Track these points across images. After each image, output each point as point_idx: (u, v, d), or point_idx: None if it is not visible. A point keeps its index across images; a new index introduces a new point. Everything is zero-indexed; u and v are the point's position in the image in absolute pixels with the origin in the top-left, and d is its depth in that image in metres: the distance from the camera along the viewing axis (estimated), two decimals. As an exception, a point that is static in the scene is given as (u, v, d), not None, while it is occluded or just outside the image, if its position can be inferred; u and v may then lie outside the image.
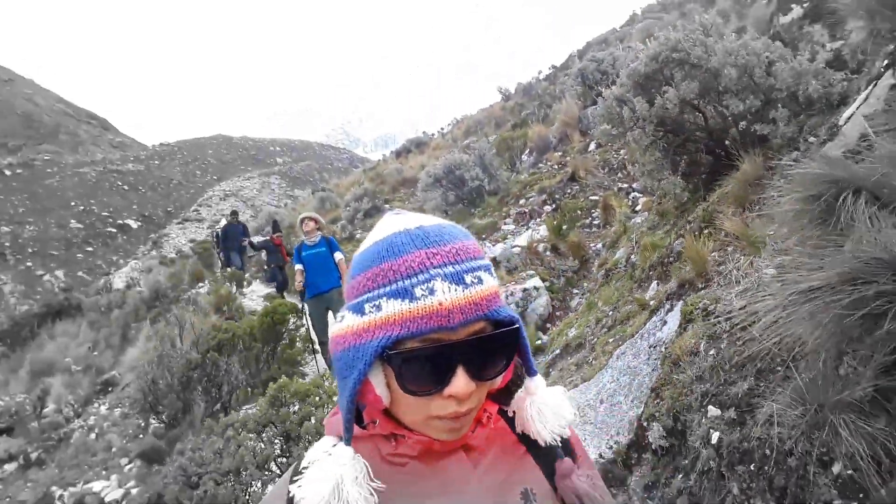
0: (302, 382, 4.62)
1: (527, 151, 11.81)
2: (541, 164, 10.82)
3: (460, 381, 0.82)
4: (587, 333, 5.35)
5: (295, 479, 0.88)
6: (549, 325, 7.04)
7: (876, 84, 3.76)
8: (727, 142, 4.85)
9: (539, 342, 6.55)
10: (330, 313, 7.75)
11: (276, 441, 4.44)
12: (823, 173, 3.26)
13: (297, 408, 4.59)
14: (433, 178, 10.50)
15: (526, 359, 0.96)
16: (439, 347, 0.81)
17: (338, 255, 7.88)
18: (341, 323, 0.89)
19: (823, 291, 2.55)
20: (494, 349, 0.87)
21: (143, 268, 22.40)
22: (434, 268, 0.82)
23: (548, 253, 8.05)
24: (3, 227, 42.37)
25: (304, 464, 0.90)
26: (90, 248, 42.73)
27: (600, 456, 3.78)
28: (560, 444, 1.00)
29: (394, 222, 0.90)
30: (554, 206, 9.05)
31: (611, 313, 5.25)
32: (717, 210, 4.47)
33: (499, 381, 0.95)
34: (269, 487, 4.04)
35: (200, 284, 16.68)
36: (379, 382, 0.86)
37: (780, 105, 4.31)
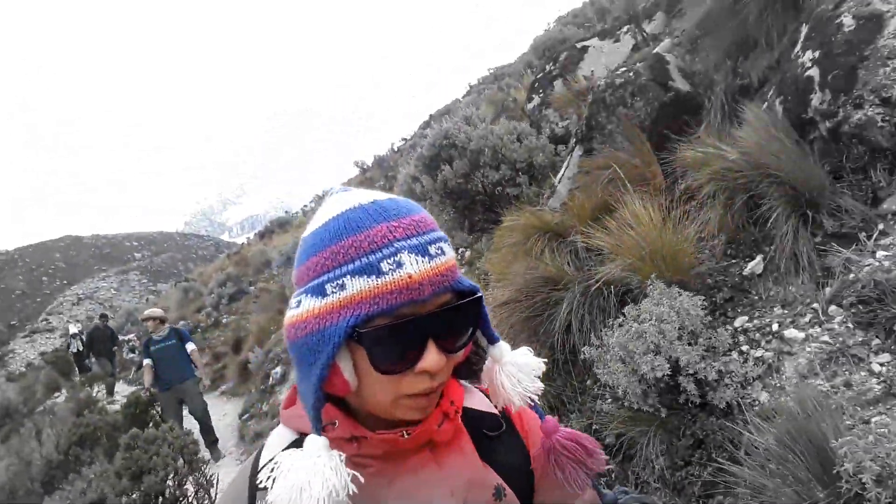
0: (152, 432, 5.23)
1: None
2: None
3: (433, 355, 0.81)
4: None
5: (258, 473, 0.87)
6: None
7: (572, 155, 5.40)
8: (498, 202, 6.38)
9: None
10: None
11: None
12: (528, 223, 4.75)
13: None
14: (285, 257, 11.50)
15: (486, 328, 0.95)
16: (411, 321, 0.79)
17: (189, 346, 8.03)
18: (297, 308, 0.84)
19: (510, 302, 3.92)
20: (461, 320, 0.86)
21: (-14, 387, 21.08)
22: (398, 240, 0.80)
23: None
24: None
25: (265, 457, 0.90)
26: None
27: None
28: (535, 404, 0.98)
29: (345, 199, 0.86)
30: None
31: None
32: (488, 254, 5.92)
33: (461, 355, 0.91)
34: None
35: (56, 395, 16.25)
36: (346, 366, 0.83)
37: (520, 173, 5.90)
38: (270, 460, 0.84)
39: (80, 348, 16.61)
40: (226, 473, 9.00)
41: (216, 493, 4.37)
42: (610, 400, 3.13)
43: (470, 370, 1.01)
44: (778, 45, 3.90)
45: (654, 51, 5.20)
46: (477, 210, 6.59)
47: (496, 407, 1.00)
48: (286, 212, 31.78)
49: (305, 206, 31.93)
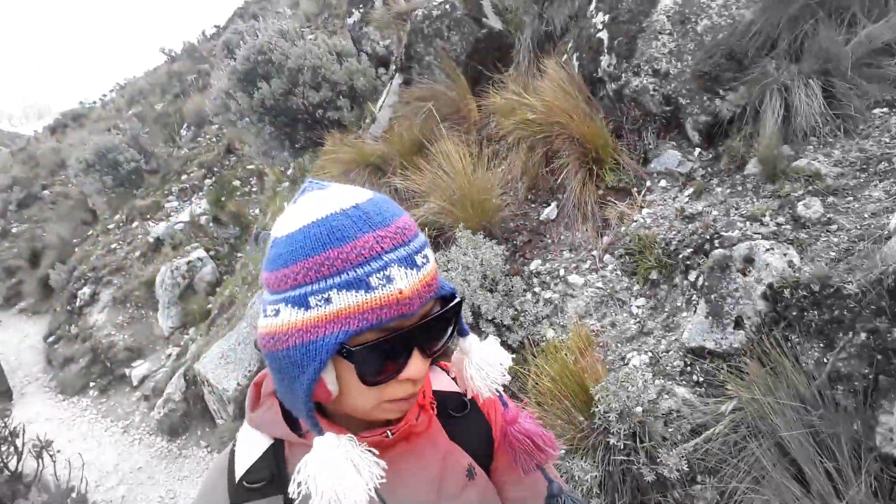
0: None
1: (185, 126, 12.25)
2: (200, 138, 11.44)
3: (417, 364, 0.82)
4: (236, 292, 6.52)
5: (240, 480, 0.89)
6: (217, 290, 8.06)
7: (391, 83, 5.45)
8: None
9: (209, 306, 7.57)
10: None
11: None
12: (348, 156, 4.82)
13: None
14: (85, 164, 10.42)
15: (458, 320, 0.95)
16: (399, 336, 0.80)
17: None
18: (276, 318, 0.82)
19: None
20: (443, 326, 0.87)
21: None
22: (386, 252, 0.79)
23: (211, 225, 8.94)
24: None
25: (243, 464, 0.91)
26: None
27: (238, 384, 5.05)
28: (500, 395, 1.01)
29: (324, 201, 0.82)
30: (213, 178, 9.88)
31: (252, 270, 6.49)
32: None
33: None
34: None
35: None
36: (329, 377, 0.83)
37: (340, 95, 5.83)
38: (298, 473, 0.80)
39: None
40: (31, 404, 8.50)
41: (23, 444, 4.16)
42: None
43: (436, 359, 1.01)
44: (580, -3, 4.18)
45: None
46: (298, 129, 6.45)
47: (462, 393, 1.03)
48: (81, 103, 28.09)
49: (104, 96, 28.36)
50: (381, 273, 0.76)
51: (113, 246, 9.77)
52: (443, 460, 0.96)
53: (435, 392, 1.02)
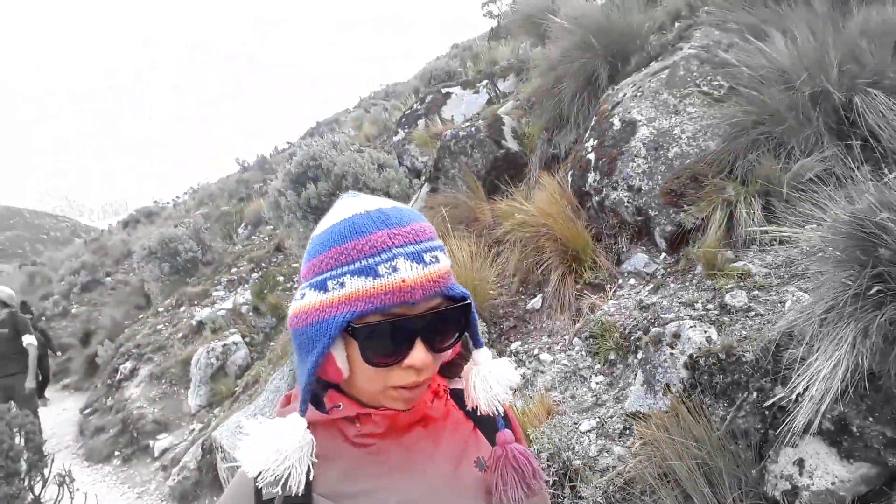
0: None
1: (243, 225, 13.39)
2: (254, 237, 12.48)
3: (419, 353, 0.89)
4: (262, 372, 7.03)
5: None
6: (246, 373, 8.57)
7: (420, 190, 6.18)
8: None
9: (236, 388, 8.06)
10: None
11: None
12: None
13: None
14: (148, 251, 11.48)
15: (473, 333, 1.03)
16: (402, 321, 0.88)
17: (27, 339, 7.21)
18: (302, 300, 0.93)
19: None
20: (449, 323, 0.94)
21: None
22: (396, 247, 0.88)
23: (250, 314, 9.62)
24: None
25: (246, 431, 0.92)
26: None
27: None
28: (501, 415, 1.05)
29: (352, 205, 0.94)
30: (260, 273, 10.70)
31: (278, 351, 7.02)
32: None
33: (449, 354, 1.01)
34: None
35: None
36: (340, 356, 0.91)
37: (377, 200, 6.61)
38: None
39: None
40: (63, 468, 8.90)
41: (49, 473, 4.60)
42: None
43: (455, 373, 1.09)
44: (581, 127, 4.89)
45: (497, 111, 6.12)
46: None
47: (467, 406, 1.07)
48: (155, 202, 30.50)
49: (177, 198, 30.82)
50: (389, 263, 0.86)
51: (159, 327, 10.52)
52: (461, 448, 1.02)
53: (458, 390, 1.08)
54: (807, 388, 2.07)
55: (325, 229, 0.94)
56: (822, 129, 3.30)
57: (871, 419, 1.98)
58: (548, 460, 2.54)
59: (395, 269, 0.86)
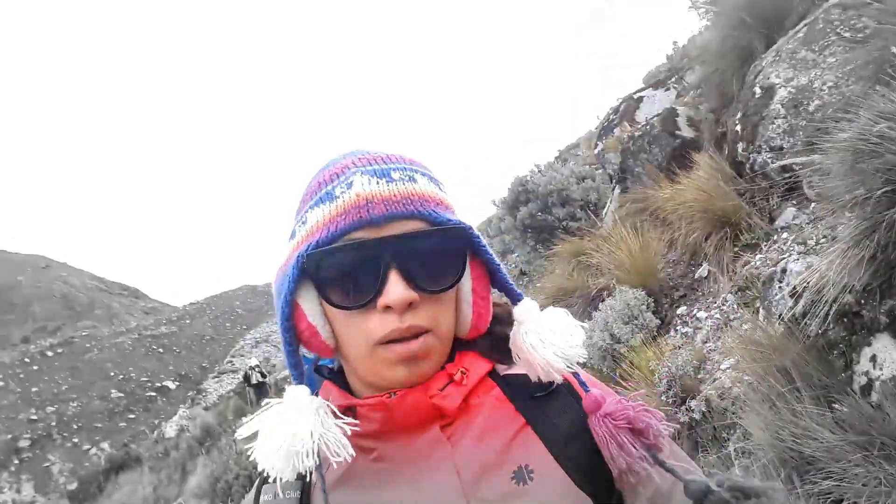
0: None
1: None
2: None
3: (394, 287, 0.72)
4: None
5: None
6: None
7: (613, 192, 6.78)
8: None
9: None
10: None
11: None
12: (567, 249, 6.22)
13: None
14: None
15: (504, 285, 0.86)
16: (358, 243, 0.74)
17: None
18: (280, 257, 0.83)
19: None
20: (436, 253, 0.76)
21: (189, 416, 25.28)
22: (356, 167, 0.77)
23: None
24: (48, 408, 45.65)
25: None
26: (132, 416, 45.36)
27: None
28: (577, 375, 0.84)
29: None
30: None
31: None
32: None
33: (469, 317, 0.83)
34: None
35: (243, 418, 19.49)
36: (310, 305, 0.77)
37: (580, 209, 7.36)
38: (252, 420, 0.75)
39: (260, 379, 19.75)
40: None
41: None
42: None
43: (505, 349, 0.86)
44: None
45: (674, 104, 6.48)
46: (549, 238, 8.09)
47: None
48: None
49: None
50: (345, 183, 0.76)
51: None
52: (484, 457, 0.78)
53: (511, 375, 0.87)
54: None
55: None
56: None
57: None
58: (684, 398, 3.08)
59: (349, 186, 0.76)
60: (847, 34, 4.12)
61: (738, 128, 4.50)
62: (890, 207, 2.20)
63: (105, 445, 41.49)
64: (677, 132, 6.01)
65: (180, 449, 19.16)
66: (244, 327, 56.99)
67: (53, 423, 43.60)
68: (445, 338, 0.81)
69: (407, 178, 0.78)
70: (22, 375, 49.06)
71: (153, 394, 47.82)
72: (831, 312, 2.67)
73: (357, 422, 0.75)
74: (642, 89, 8.56)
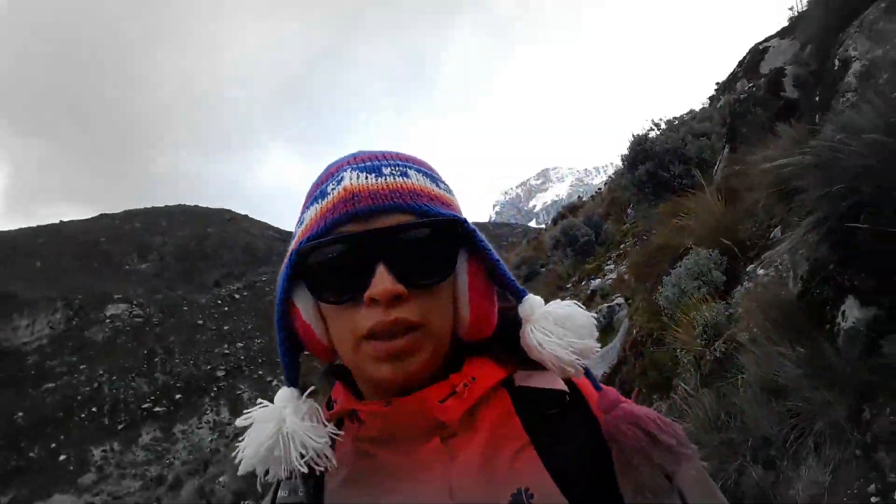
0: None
1: (630, 206, 15.43)
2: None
3: (380, 279, 0.73)
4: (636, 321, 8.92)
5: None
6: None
7: (723, 153, 7.21)
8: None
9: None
10: None
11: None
12: (669, 209, 6.84)
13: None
14: (554, 241, 14.47)
15: (505, 280, 0.85)
16: (345, 237, 0.76)
17: None
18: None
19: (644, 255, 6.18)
20: (425, 246, 0.77)
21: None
22: (350, 165, 0.81)
23: (632, 280, 11.53)
24: (238, 344, 52.20)
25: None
26: (308, 353, 50.75)
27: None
28: (588, 372, 0.83)
29: None
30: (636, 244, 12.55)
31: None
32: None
33: (467, 317, 0.82)
34: None
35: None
36: (304, 303, 0.81)
37: (694, 166, 7.88)
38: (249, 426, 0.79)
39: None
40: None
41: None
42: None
43: (514, 351, 0.86)
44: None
45: (782, 63, 6.73)
46: (665, 195, 8.62)
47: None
48: (579, 197, 34.71)
49: (600, 189, 34.46)
50: (336, 180, 0.80)
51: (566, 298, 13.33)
52: (479, 476, 0.77)
53: (525, 388, 0.87)
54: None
55: None
56: None
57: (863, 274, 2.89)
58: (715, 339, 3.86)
59: (339, 182, 0.79)
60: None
61: (818, 98, 4.92)
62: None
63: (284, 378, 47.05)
64: (782, 93, 6.34)
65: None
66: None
67: (242, 357, 49.94)
68: (438, 335, 0.80)
69: (399, 173, 0.80)
70: (216, 315, 56.45)
71: (327, 332, 53.00)
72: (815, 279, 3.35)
73: (340, 432, 0.79)
74: (770, 38, 8.65)
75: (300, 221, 0.84)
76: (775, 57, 8.24)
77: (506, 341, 0.87)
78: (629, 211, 8.34)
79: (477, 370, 0.84)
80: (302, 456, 0.75)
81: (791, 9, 8.41)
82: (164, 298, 58.24)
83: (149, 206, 79.13)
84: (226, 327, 54.93)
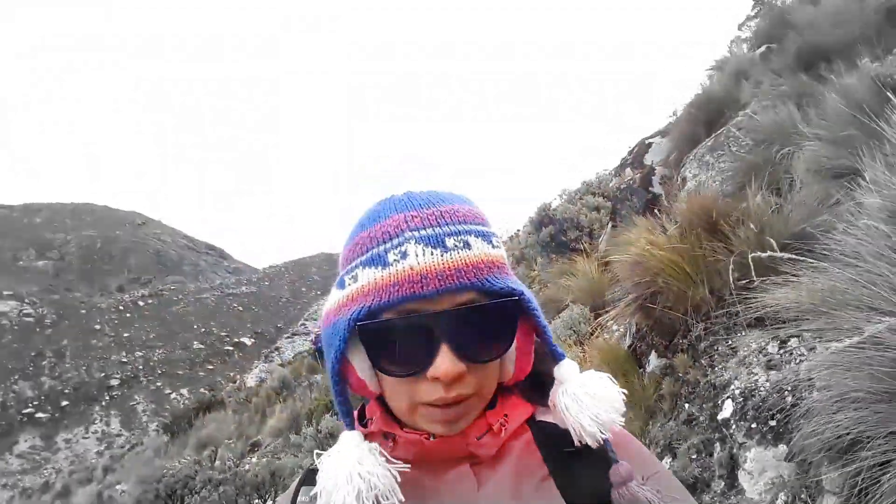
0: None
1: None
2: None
3: (443, 361, 0.76)
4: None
5: (303, 485, 0.92)
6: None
7: (607, 228, 9.10)
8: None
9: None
10: None
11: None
12: (561, 269, 8.63)
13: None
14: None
15: (547, 341, 0.89)
16: (412, 318, 0.77)
17: None
18: (329, 298, 0.88)
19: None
20: (487, 325, 0.80)
21: (268, 370, 29.04)
22: (409, 230, 0.79)
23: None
24: (137, 352, 50.32)
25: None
26: (210, 367, 48.86)
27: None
28: (607, 442, 0.87)
29: (389, 196, 0.87)
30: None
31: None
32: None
33: (511, 372, 0.88)
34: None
35: (316, 375, 22.80)
36: (361, 363, 0.83)
37: (587, 235, 9.72)
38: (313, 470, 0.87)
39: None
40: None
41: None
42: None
43: (543, 393, 0.92)
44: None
45: (652, 164, 8.71)
46: (564, 255, 10.47)
47: None
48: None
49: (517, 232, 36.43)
50: (398, 249, 0.79)
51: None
52: (513, 501, 0.84)
53: (546, 423, 0.93)
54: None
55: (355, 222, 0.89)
56: None
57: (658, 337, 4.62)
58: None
59: (404, 256, 0.78)
60: (734, 148, 6.34)
61: (666, 201, 6.80)
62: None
63: (184, 391, 45.15)
64: (650, 188, 8.29)
65: (260, 396, 22.69)
66: (319, 293, 60.25)
67: (140, 367, 48.02)
68: (487, 397, 0.86)
69: (462, 244, 0.80)
70: (116, 321, 54.29)
71: (230, 348, 51.66)
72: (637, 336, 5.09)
73: (407, 467, 0.81)
74: (655, 134, 10.73)
75: (353, 277, 0.83)
76: (656, 153, 10.30)
77: (533, 380, 0.93)
78: (538, 259, 9.98)
79: (510, 408, 0.90)
80: (378, 498, 0.78)
81: (672, 114, 10.51)
82: (60, 299, 55.79)
83: (53, 201, 75.65)
84: (126, 334, 53.15)
